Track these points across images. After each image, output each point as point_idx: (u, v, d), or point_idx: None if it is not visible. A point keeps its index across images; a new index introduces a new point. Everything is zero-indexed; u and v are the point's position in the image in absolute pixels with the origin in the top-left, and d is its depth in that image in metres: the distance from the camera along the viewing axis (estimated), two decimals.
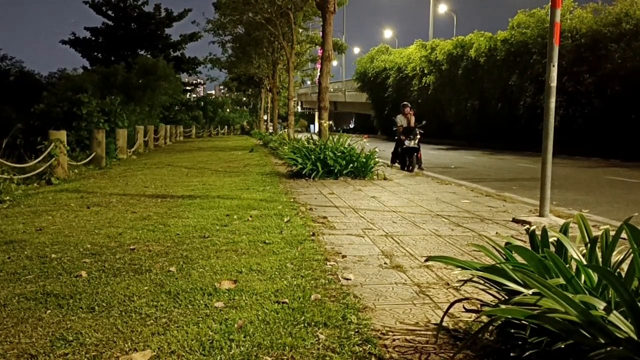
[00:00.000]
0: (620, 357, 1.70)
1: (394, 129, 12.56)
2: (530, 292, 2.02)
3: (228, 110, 53.53)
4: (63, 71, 28.25)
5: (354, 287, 3.20)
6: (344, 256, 3.95)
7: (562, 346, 1.88)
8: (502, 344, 2.24)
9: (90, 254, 3.97)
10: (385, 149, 13.46)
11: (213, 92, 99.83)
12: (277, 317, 2.65)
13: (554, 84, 5.48)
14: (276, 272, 3.45)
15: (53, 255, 3.91)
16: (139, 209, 6.13)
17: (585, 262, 2.27)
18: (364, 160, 9.94)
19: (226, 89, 61.02)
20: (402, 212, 6.11)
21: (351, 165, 9.79)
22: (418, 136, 11.85)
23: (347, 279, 3.35)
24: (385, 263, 3.78)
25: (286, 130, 22.83)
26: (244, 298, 2.95)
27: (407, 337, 2.45)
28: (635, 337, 1.76)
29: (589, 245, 2.32)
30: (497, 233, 4.85)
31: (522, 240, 4.03)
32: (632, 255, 1.99)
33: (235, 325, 2.54)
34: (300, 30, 26.97)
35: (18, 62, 30.77)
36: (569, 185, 9.59)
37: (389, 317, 2.72)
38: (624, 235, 2.09)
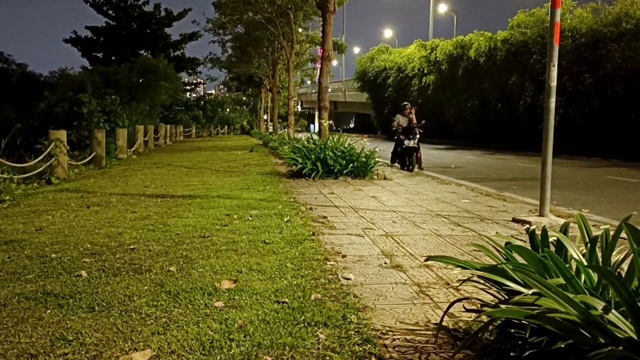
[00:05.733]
0: (620, 357, 1.70)
1: (394, 129, 12.57)
2: (530, 292, 2.02)
3: (228, 110, 53.52)
4: (63, 71, 28.19)
5: (354, 287, 3.20)
6: (344, 256, 3.95)
7: (562, 346, 1.88)
8: (502, 343, 2.24)
9: (90, 254, 3.97)
10: (385, 149, 13.45)
11: (213, 91, 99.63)
12: (277, 316, 2.65)
13: (554, 83, 5.48)
14: (276, 272, 3.45)
15: (53, 255, 3.91)
16: (139, 208, 6.13)
17: (585, 262, 2.27)
18: (364, 160, 9.94)
19: (226, 88, 60.98)
20: (402, 211, 6.11)
21: (351, 165, 9.78)
22: (418, 136, 11.86)
23: (347, 279, 3.35)
24: (385, 263, 3.78)
25: (286, 129, 22.83)
26: (244, 298, 2.95)
27: (407, 337, 2.45)
28: (635, 337, 1.76)
29: (589, 245, 2.32)
30: (497, 233, 4.85)
31: (522, 240, 4.03)
32: (632, 255, 1.99)
33: (235, 325, 2.54)
34: (300, 30, 26.98)
35: (23, 65, 30.77)
36: (569, 185, 9.59)
37: (389, 316, 2.72)
38: (624, 235, 2.09)
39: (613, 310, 1.83)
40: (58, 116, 14.95)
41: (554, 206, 6.36)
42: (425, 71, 31.90)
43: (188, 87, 48.98)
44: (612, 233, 2.32)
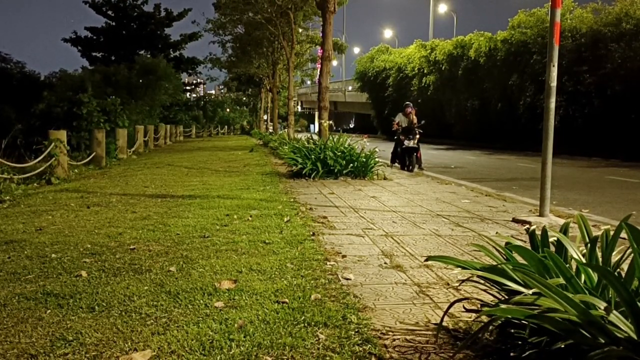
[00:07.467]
0: (620, 356, 1.70)
1: (394, 129, 12.58)
2: (531, 291, 2.02)
3: (228, 110, 53.49)
4: (64, 72, 28.24)
5: (354, 287, 3.19)
6: (344, 256, 3.95)
7: (562, 346, 1.88)
8: (502, 343, 2.24)
9: (90, 254, 3.97)
10: (385, 149, 13.46)
11: (213, 92, 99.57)
12: (277, 317, 2.65)
13: (554, 84, 5.48)
14: (276, 272, 3.45)
15: (53, 255, 3.91)
16: (139, 208, 6.13)
17: (585, 262, 2.27)
18: (364, 160, 9.94)
19: (226, 88, 60.95)
20: (402, 212, 6.10)
21: (351, 165, 9.78)
22: (417, 136, 11.87)
23: (347, 279, 3.35)
24: (385, 263, 3.78)
25: (286, 130, 22.83)
26: (244, 298, 2.95)
27: (407, 337, 2.45)
28: (635, 336, 1.76)
29: (589, 245, 2.32)
30: (497, 233, 4.85)
31: (522, 240, 4.03)
32: (632, 255, 1.99)
33: (235, 325, 2.54)
34: (300, 30, 26.97)
35: (20, 63, 30.79)
36: (569, 185, 9.59)
37: (389, 317, 2.71)
38: (624, 235, 2.09)
39: (613, 310, 1.83)
40: (58, 116, 14.96)
41: (554, 206, 6.36)
42: (425, 71, 31.90)
43: (188, 87, 49.03)
44: (612, 233, 2.32)
